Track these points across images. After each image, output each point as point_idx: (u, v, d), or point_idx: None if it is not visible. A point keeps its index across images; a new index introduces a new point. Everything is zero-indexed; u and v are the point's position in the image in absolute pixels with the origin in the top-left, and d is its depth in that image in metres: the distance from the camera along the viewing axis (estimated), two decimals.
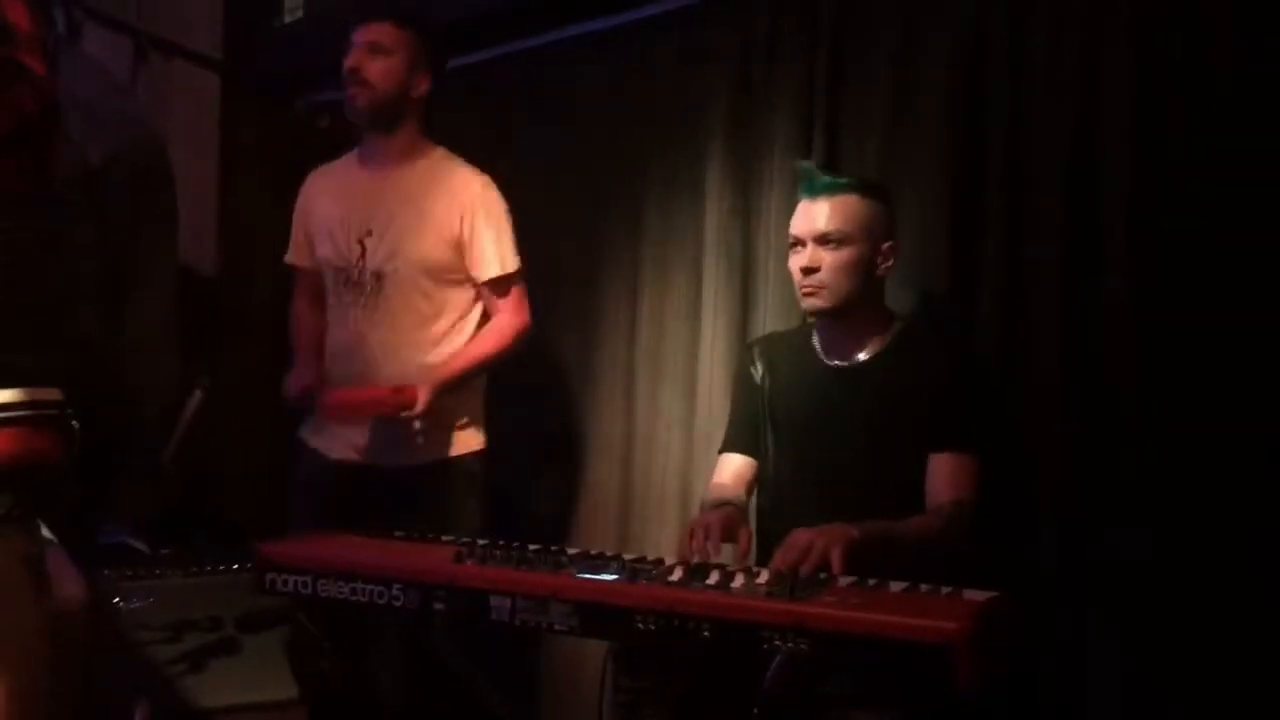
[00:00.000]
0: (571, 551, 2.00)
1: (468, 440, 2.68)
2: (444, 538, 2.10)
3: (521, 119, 3.18)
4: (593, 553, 1.98)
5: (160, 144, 3.42)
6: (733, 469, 2.28)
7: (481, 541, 2.04)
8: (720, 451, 2.33)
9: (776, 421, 2.24)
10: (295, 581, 1.92)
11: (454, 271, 2.64)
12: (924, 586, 1.75)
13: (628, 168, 2.96)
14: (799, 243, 2.18)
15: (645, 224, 2.92)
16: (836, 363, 2.21)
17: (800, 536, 1.85)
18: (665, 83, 2.90)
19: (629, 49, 2.98)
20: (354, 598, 1.87)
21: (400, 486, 2.60)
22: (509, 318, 2.67)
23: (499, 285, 2.66)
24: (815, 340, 2.25)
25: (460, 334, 2.67)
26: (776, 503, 2.23)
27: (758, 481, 2.30)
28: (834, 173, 2.22)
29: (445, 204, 2.63)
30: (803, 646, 1.59)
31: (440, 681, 2.48)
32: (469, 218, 2.62)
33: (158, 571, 2.84)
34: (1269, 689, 1.96)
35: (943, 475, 2.07)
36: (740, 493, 2.24)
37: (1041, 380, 2.25)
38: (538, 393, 3.10)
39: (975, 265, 2.35)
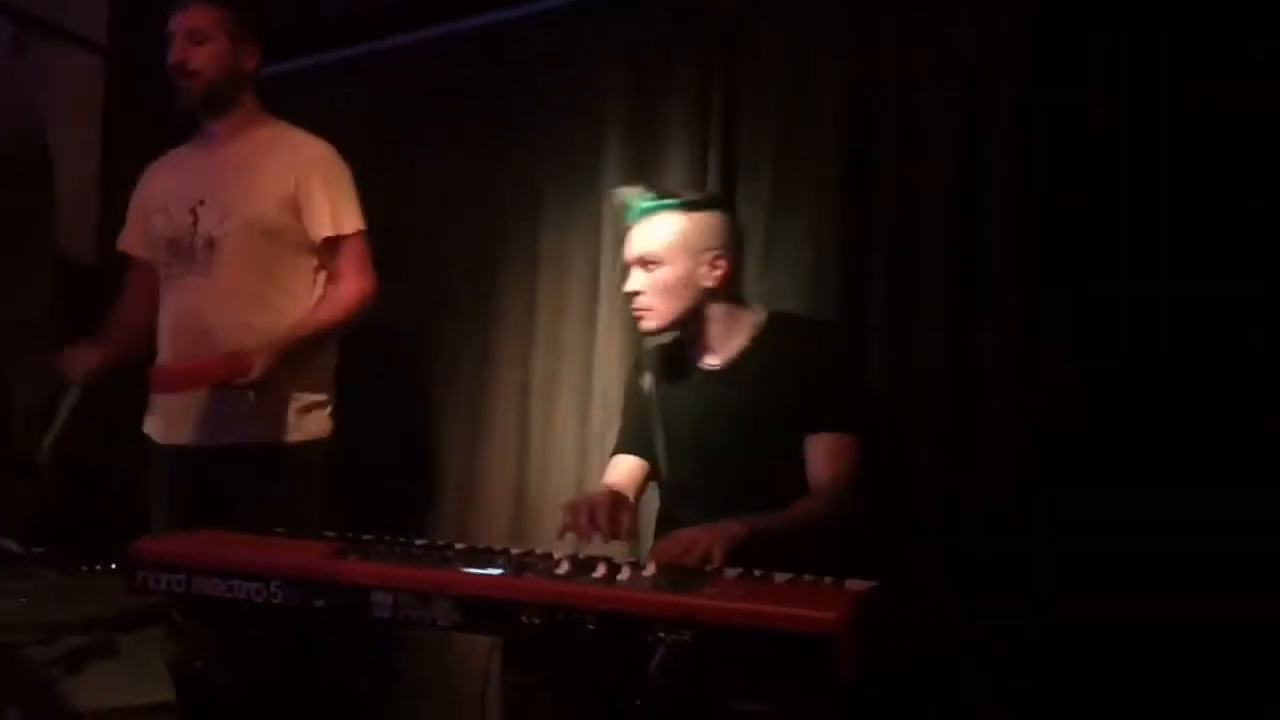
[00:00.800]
0: (459, 546, 1.97)
1: (311, 425, 2.58)
2: (326, 533, 2.05)
3: (413, 114, 3.12)
4: (480, 547, 1.96)
5: (40, 130, 3.31)
6: (624, 469, 2.29)
7: (366, 537, 2.00)
8: (612, 454, 2.34)
9: (668, 428, 2.25)
10: (169, 580, 1.87)
11: (290, 234, 2.55)
12: (808, 577, 1.76)
13: (525, 168, 2.94)
14: (626, 268, 2.22)
15: (542, 227, 2.90)
16: (710, 365, 2.23)
17: (684, 533, 1.86)
18: (561, 80, 2.89)
19: (526, 44, 2.95)
20: (231, 595, 1.82)
21: (236, 469, 2.50)
22: (351, 283, 2.58)
23: (337, 247, 2.58)
24: (684, 347, 2.28)
25: (301, 303, 2.57)
26: (674, 507, 2.24)
27: (659, 488, 2.32)
28: (649, 193, 2.20)
29: (280, 166, 2.56)
30: (687, 638, 1.59)
31: (316, 680, 2.43)
32: (305, 178, 2.55)
33: (32, 571, 2.74)
34: (1139, 674, 2.03)
35: (821, 456, 2.09)
36: (629, 490, 2.24)
37: (926, 380, 2.32)
38: (433, 391, 3.07)
39: (864, 270, 2.42)
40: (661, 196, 2.20)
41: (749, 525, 1.90)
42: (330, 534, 2.05)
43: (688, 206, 2.19)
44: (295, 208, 2.55)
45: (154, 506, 2.60)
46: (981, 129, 2.29)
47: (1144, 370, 2.10)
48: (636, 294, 2.18)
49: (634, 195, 2.22)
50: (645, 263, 2.17)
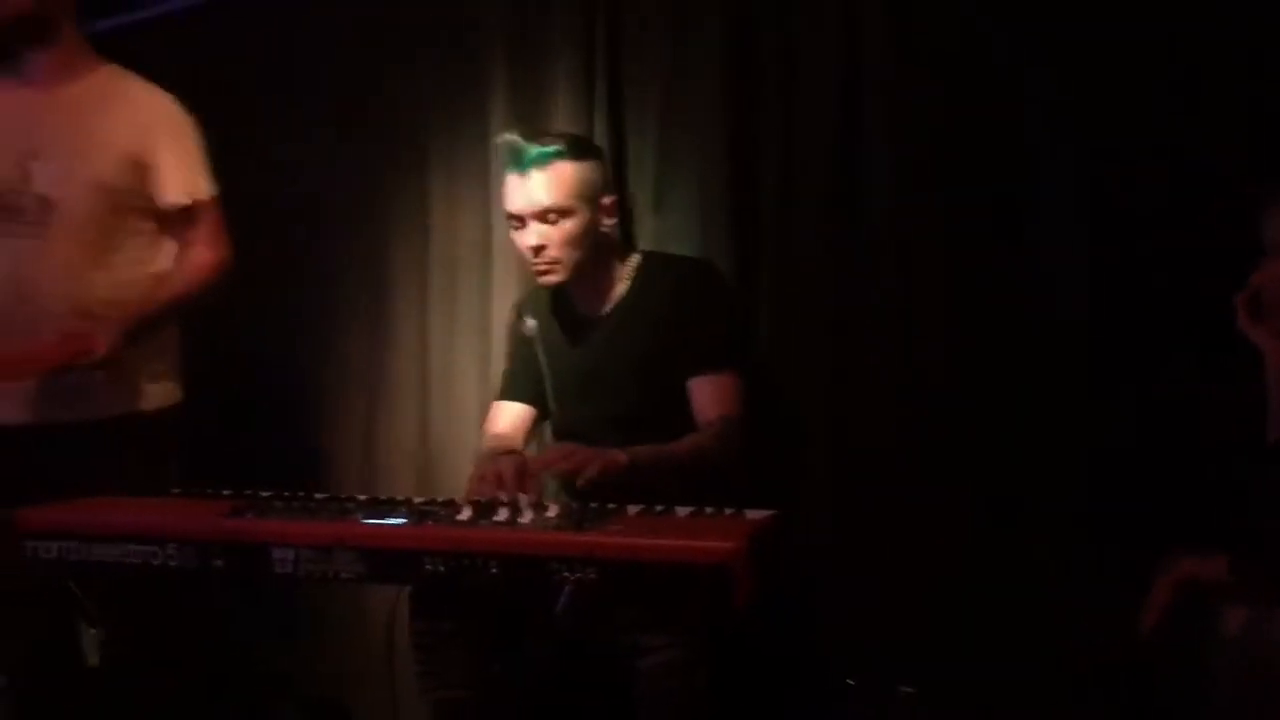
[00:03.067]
0: (360, 498, 1.96)
1: (161, 394, 2.39)
2: (225, 492, 2.02)
3: (294, 61, 3.04)
4: (380, 498, 1.95)
5: None
6: (510, 416, 2.27)
7: (264, 493, 1.97)
8: (497, 399, 2.31)
9: (555, 376, 2.23)
10: (61, 547, 1.82)
11: (135, 198, 2.34)
12: (709, 509, 1.79)
13: (413, 109, 2.88)
14: (520, 221, 2.13)
15: (432, 166, 2.86)
16: (590, 312, 2.21)
17: (568, 446, 1.89)
18: (444, 25, 2.84)
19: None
20: (126, 560, 1.78)
21: (77, 446, 2.27)
22: (205, 252, 2.38)
23: (189, 215, 2.37)
24: (566, 295, 2.25)
25: (145, 271, 2.37)
26: None
27: (552, 433, 2.30)
28: (537, 139, 2.14)
29: (124, 122, 2.34)
30: (591, 575, 1.61)
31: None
32: (151, 137, 2.34)
33: None
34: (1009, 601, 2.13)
35: (705, 397, 2.10)
36: (518, 440, 2.24)
37: (811, 312, 2.36)
38: (330, 347, 3.02)
39: (753, 205, 2.43)
40: (548, 142, 2.13)
41: (632, 455, 1.92)
42: (226, 492, 2.02)
43: (580, 153, 2.14)
44: (140, 170, 2.33)
45: None
46: (862, 59, 2.32)
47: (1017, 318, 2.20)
48: (540, 248, 2.11)
49: (525, 142, 2.12)
50: (548, 213, 2.10)
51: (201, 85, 2.98)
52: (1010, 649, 2.12)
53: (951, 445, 2.22)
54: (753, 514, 1.76)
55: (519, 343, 2.30)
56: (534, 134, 2.17)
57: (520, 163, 2.11)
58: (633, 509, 1.81)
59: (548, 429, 2.37)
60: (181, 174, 2.36)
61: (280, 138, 2.99)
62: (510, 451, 2.13)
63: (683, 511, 1.80)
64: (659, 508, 1.81)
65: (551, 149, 2.11)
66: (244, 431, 2.90)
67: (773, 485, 2.28)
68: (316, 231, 3.00)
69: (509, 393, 2.29)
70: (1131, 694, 1.97)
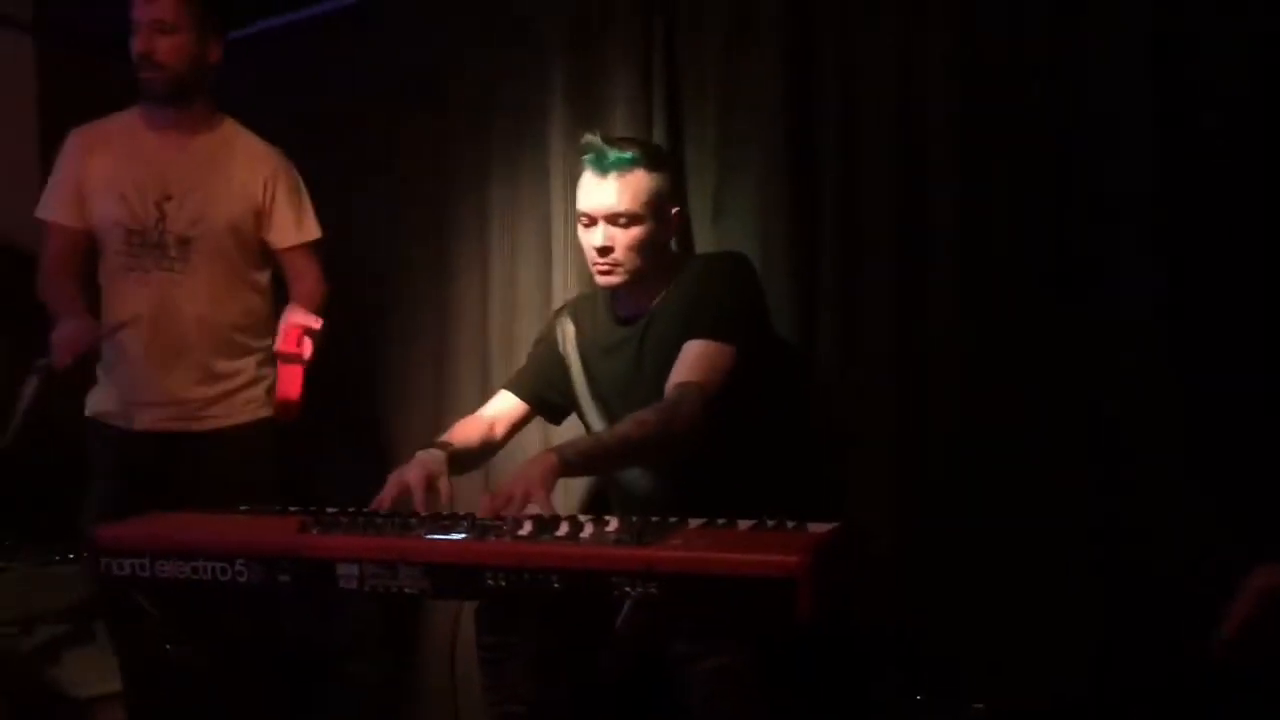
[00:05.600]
0: (421, 513, 1.97)
1: (268, 403, 2.68)
2: (291, 509, 2.05)
3: (359, 75, 3.08)
4: (442, 513, 1.96)
5: None
6: (501, 405, 2.34)
7: (330, 509, 2.00)
8: (504, 386, 2.38)
9: (592, 381, 2.26)
10: (133, 564, 1.86)
11: (252, 238, 2.68)
12: (770, 521, 1.78)
13: (475, 116, 2.90)
14: (590, 220, 2.18)
15: (493, 176, 2.88)
16: (630, 316, 2.24)
17: (500, 487, 1.88)
18: (506, 38, 2.86)
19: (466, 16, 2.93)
20: (196, 577, 1.82)
21: (207, 450, 2.60)
22: (316, 285, 2.72)
23: (304, 253, 2.73)
24: (612, 300, 2.27)
25: (263, 301, 2.71)
26: None
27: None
28: (620, 145, 2.18)
29: (246, 171, 2.67)
30: (652, 590, 1.60)
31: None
32: (271, 186, 2.68)
33: (1, 563, 2.74)
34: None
35: (682, 360, 2.07)
36: (494, 432, 2.30)
37: (874, 325, 2.32)
38: (392, 354, 3.05)
39: (814, 216, 2.40)
40: (627, 149, 2.17)
41: (560, 452, 1.93)
42: (293, 509, 2.04)
43: (656, 165, 2.18)
44: (258, 216, 2.67)
45: (106, 493, 2.58)
46: (927, 69, 2.28)
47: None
48: (606, 250, 2.15)
49: (607, 146, 2.17)
50: (619, 217, 2.14)
51: (284, 90, 3.08)
52: (1084, 665, 2.06)
53: (1019, 459, 2.16)
54: (816, 526, 1.74)
55: (546, 346, 2.36)
56: (616, 140, 2.22)
57: (600, 165, 2.17)
58: (694, 522, 1.80)
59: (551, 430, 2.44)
60: (296, 217, 2.73)
61: (345, 151, 3.04)
62: (440, 447, 2.15)
63: (744, 524, 1.78)
64: (720, 521, 1.80)
65: (630, 155, 2.16)
66: (311, 432, 2.94)
67: (838, 496, 2.27)
68: (381, 242, 3.05)
69: (512, 384, 2.37)
70: (1211, 707, 1.91)
